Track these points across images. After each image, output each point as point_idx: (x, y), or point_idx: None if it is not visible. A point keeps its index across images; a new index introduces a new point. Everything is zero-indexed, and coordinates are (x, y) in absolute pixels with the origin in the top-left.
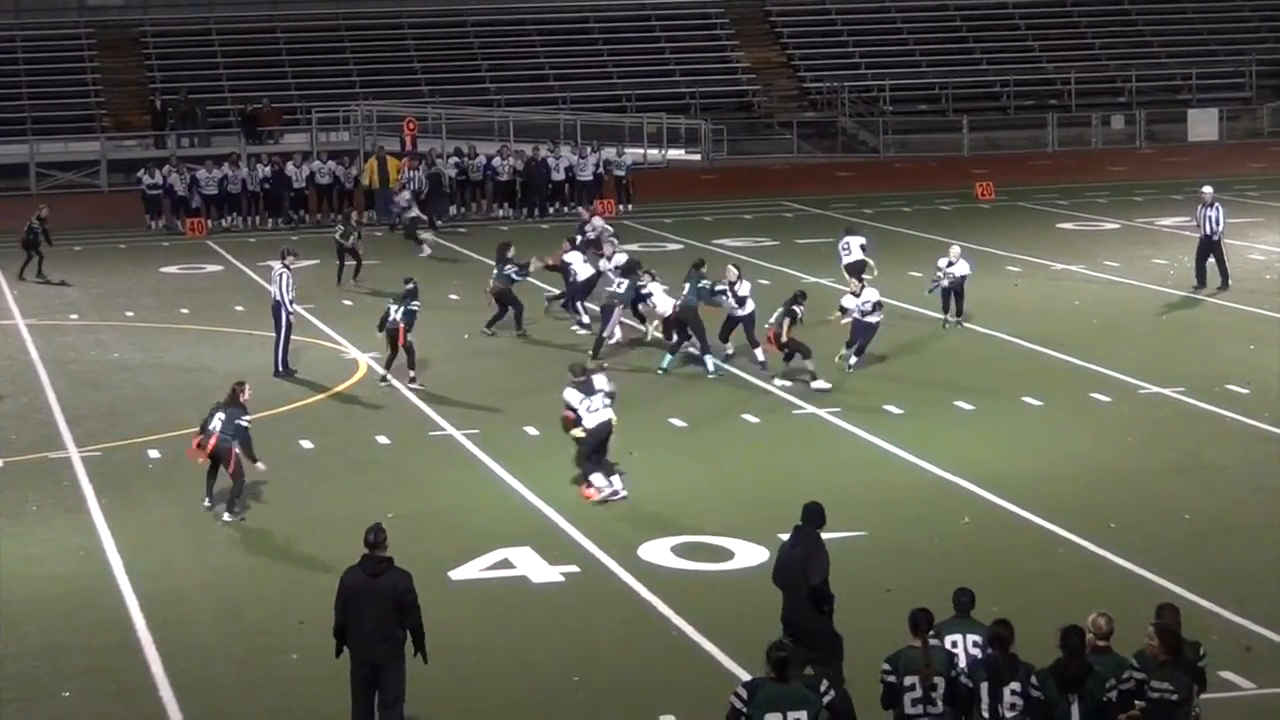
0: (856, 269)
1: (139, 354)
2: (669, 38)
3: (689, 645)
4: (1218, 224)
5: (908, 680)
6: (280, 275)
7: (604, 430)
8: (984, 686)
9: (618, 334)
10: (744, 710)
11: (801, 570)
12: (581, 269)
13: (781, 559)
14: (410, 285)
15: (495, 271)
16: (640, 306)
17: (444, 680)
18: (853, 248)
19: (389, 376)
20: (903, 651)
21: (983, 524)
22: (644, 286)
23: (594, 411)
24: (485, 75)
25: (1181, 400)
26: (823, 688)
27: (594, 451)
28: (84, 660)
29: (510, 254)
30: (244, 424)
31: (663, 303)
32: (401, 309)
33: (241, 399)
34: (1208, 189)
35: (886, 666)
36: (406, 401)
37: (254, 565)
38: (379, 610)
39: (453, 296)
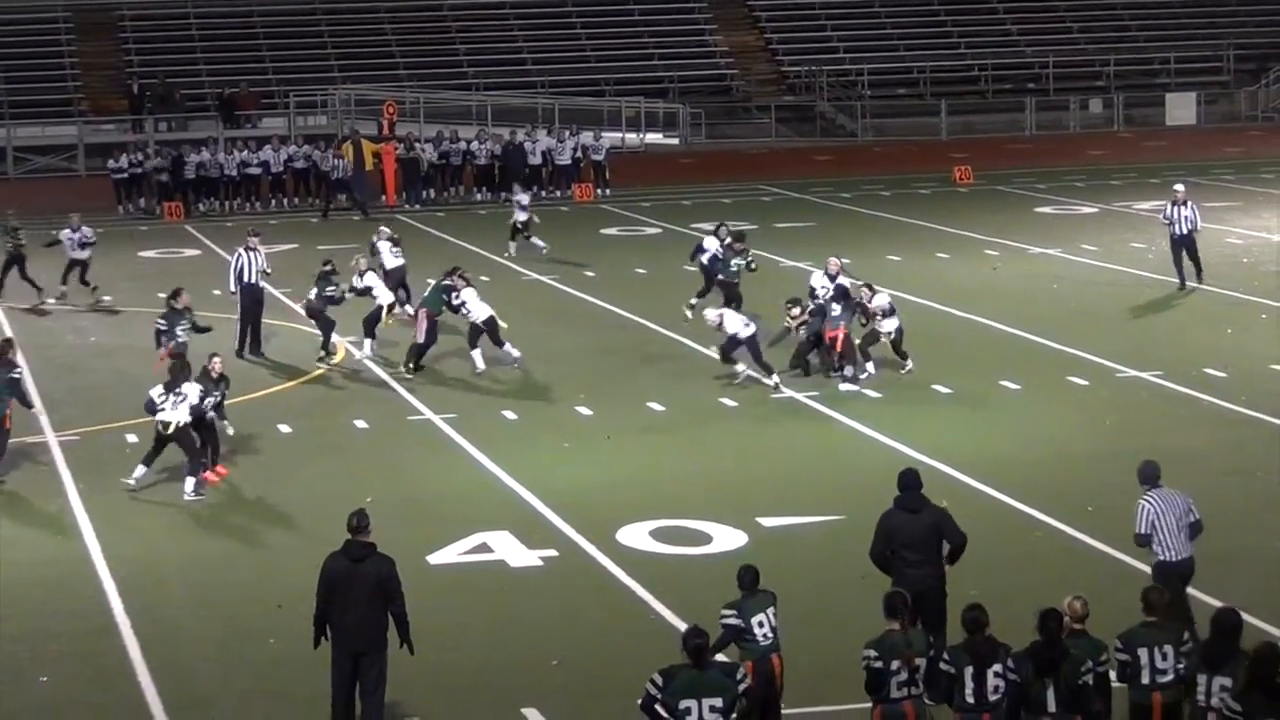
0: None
1: (117, 338)
2: (647, 21)
3: (668, 629)
4: (1194, 223)
5: (893, 664)
6: (239, 257)
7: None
8: (968, 671)
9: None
10: (659, 696)
11: (939, 533)
12: (384, 294)
13: (899, 527)
14: (327, 266)
15: (315, 291)
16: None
17: (423, 664)
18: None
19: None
20: (884, 636)
21: (960, 507)
22: (456, 293)
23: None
24: (463, 59)
25: (1159, 384)
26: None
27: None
28: (62, 645)
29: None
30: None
31: (477, 309)
32: (317, 290)
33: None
34: (1180, 186)
35: (872, 653)
36: (384, 386)
37: (232, 549)
38: (363, 597)
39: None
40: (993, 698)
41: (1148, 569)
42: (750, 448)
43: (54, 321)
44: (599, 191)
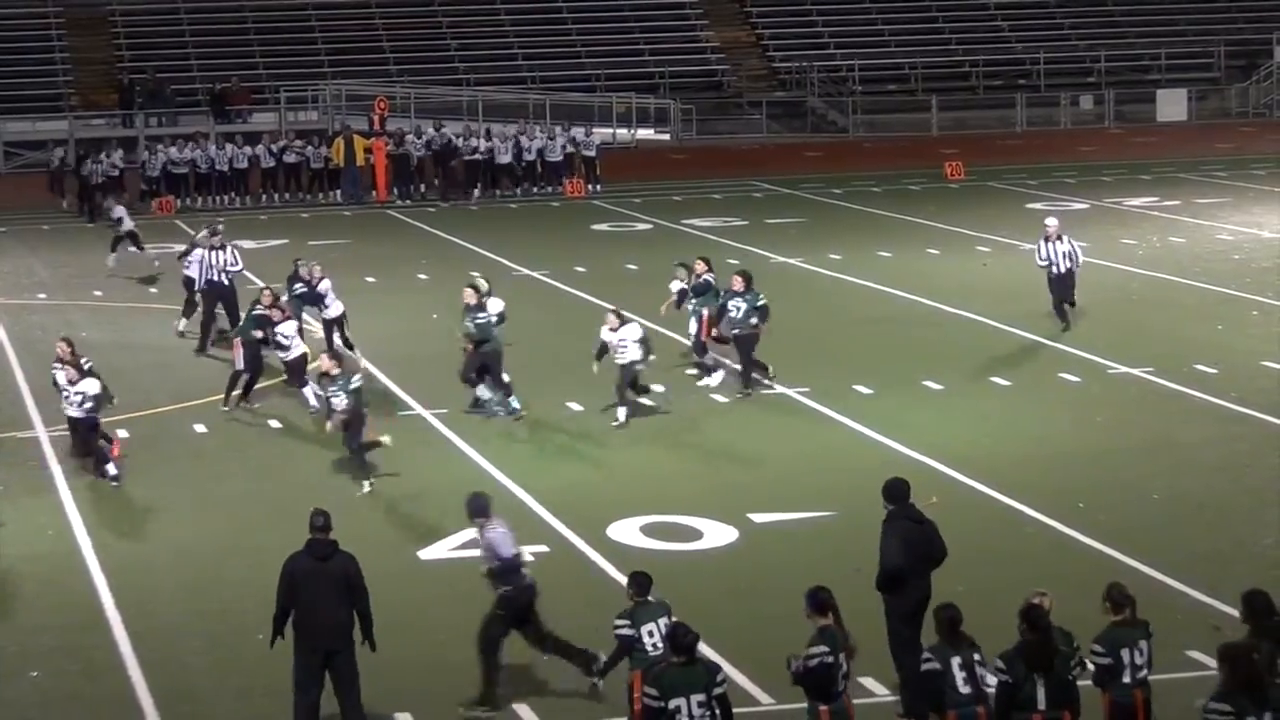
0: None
1: (107, 333)
2: (638, 17)
3: None
4: (1074, 259)
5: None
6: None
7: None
8: (955, 662)
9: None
10: (663, 705)
11: (939, 543)
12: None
13: (913, 539)
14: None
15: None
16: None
17: (414, 660)
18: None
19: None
20: (824, 631)
21: (951, 504)
22: (273, 325)
23: None
24: (454, 55)
25: (1150, 380)
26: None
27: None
28: (52, 639)
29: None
30: None
31: (335, 307)
32: (286, 290)
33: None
34: (1052, 221)
35: (824, 648)
36: (375, 381)
37: (222, 545)
38: (331, 594)
39: (421, 276)
40: (984, 688)
41: (1139, 565)
42: (740, 443)
43: (44, 316)
44: (590, 187)
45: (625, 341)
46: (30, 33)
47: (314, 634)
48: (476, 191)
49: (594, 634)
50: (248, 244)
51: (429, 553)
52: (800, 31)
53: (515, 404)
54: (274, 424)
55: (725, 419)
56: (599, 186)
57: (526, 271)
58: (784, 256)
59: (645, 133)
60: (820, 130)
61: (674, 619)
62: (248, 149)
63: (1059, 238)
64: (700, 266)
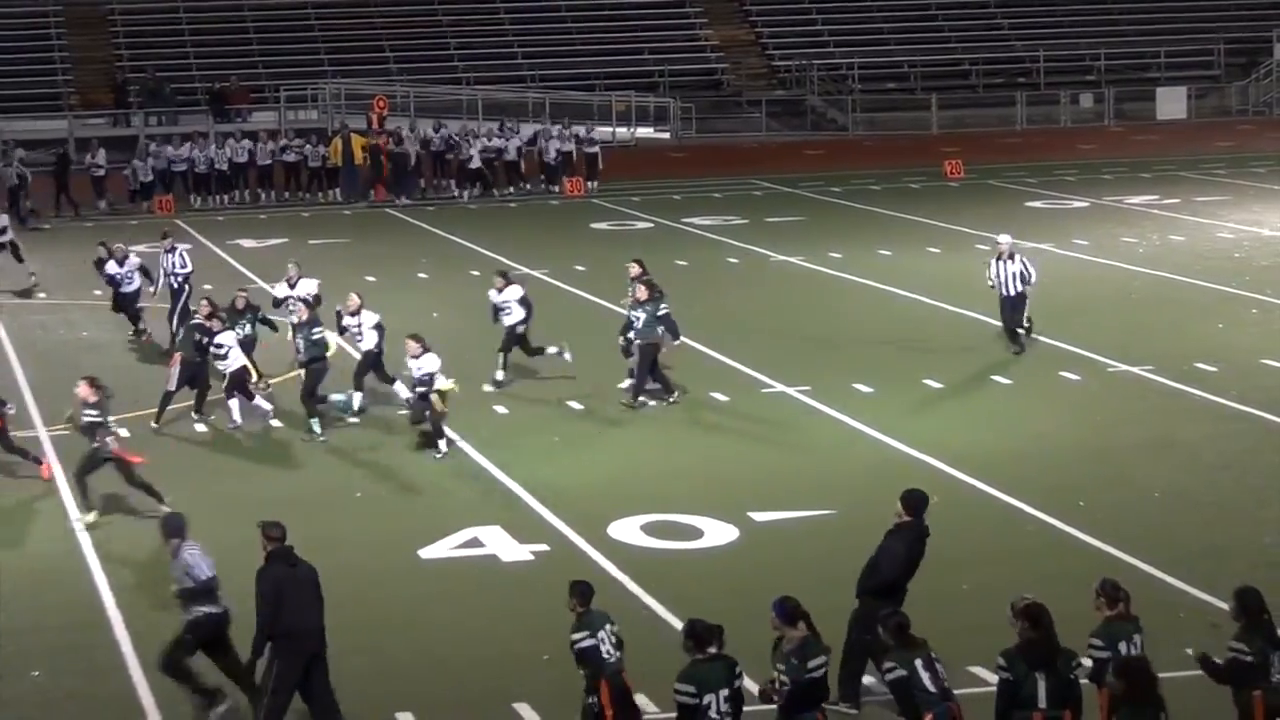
0: None
1: (107, 333)
2: (637, 15)
3: (659, 624)
4: (1027, 278)
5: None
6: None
7: None
8: (918, 662)
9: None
10: (698, 702)
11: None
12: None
13: (914, 553)
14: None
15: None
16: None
17: (415, 659)
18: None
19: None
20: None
21: (953, 502)
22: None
23: None
24: (453, 54)
25: (1151, 378)
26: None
27: None
28: (53, 639)
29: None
30: None
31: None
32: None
33: None
34: (1005, 238)
35: (821, 658)
36: (375, 381)
37: (224, 544)
38: (311, 599)
39: (421, 275)
40: (947, 684)
41: (1139, 563)
42: (740, 442)
43: (45, 315)
44: (589, 185)
45: (508, 303)
46: (30, 31)
47: (302, 640)
48: (471, 192)
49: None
50: (247, 243)
51: (429, 552)
52: (799, 30)
53: (356, 403)
54: (276, 424)
55: (724, 417)
56: (596, 185)
57: (527, 270)
58: (784, 255)
59: (645, 131)
60: (820, 128)
61: (693, 617)
62: (246, 143)
63: (1011, 256)
64: (634, 269)
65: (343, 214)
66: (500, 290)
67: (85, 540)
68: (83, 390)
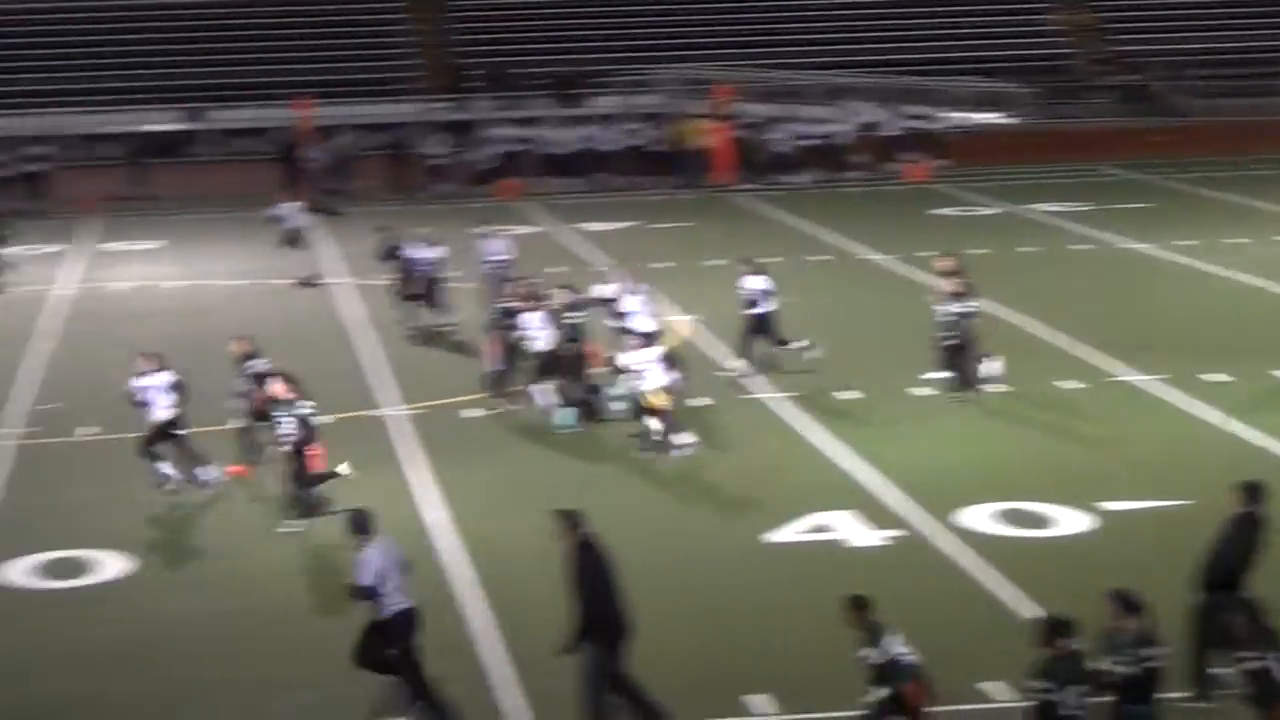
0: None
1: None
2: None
3: (1008, 613)
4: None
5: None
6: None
7: None
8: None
9: None
10: (1056, 699)
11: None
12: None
13: (1253, 545)
14: None
15: None
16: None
17: (753, 642)
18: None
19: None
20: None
21: None
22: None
23: None
24: (787, 39)
25: None
26: None
27: None
28: None
29: None
30: None
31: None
32: None
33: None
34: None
35: (1159, 649)
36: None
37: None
38: (618, 584)
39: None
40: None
41: None
42: (1086, 428)
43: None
44: (935, 165)
45: (757, 291)
46: (369, 16)
47: (622, 625)
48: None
49: (948, 621)
50: (593, 226)
51: (774, 536)
52: (1143, 14)
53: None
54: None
55: (1073, 404)
56: (938, 166)
57: (867, 255)
58: (1132, 242)
59: (986, 116)
60: (1163, 114)
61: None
62: (587, 128)
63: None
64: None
65: (682, 198)
66: (749, 278)
67: (433, 519)
68: (276, 388)
